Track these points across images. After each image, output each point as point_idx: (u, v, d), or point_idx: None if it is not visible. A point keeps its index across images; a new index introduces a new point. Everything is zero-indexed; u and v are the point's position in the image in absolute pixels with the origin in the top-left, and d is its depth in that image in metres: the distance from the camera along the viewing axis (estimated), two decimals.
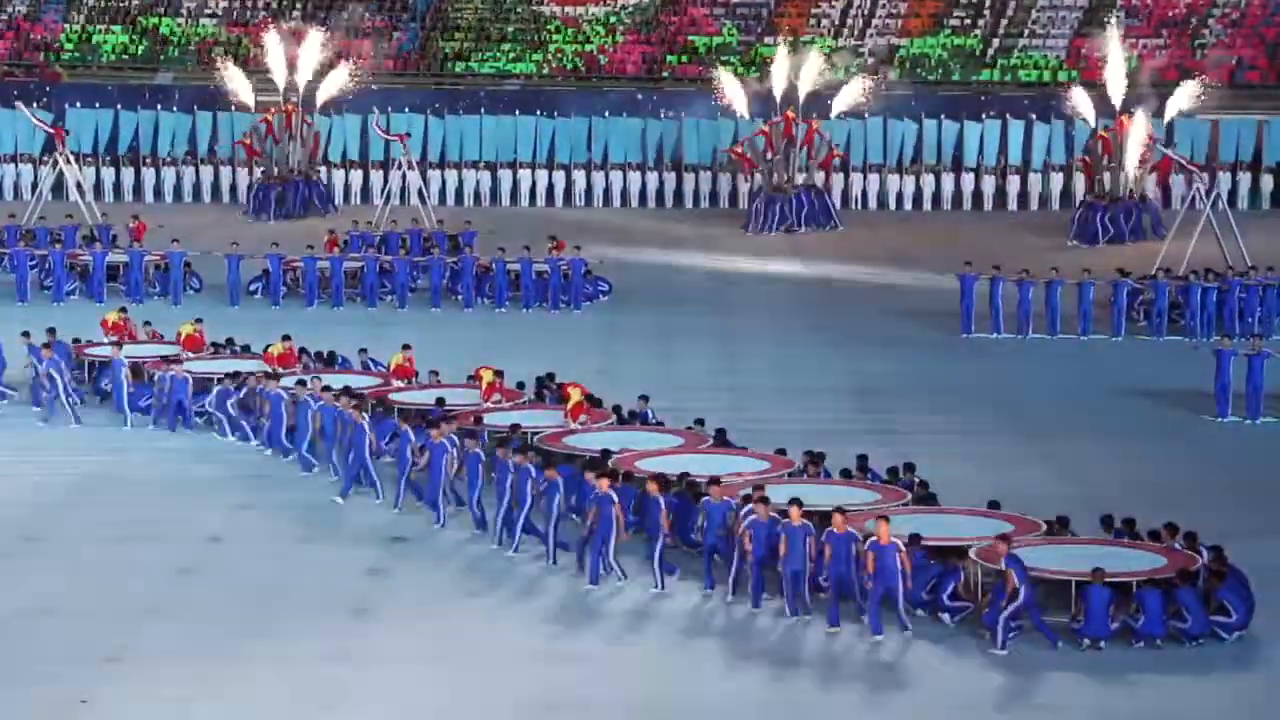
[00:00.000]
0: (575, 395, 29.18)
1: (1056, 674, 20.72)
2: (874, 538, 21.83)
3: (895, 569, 21.62)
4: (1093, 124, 53.28)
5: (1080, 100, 53.32)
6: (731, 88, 55.29)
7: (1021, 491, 26.26)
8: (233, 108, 56.98)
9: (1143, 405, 33.40)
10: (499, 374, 30.36)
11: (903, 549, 21.78)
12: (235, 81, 55.36)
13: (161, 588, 23.11)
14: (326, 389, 28.67)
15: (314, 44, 55.52)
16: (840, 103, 55.03)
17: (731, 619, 22.14)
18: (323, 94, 55.08)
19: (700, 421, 28.93)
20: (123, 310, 35.93)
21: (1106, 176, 52.36)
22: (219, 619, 22.01)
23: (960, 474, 27.60)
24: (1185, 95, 52.47)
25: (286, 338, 32.79)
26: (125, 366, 31.07)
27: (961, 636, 21.66)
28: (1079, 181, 55.92)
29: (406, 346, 32.19)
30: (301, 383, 29.29)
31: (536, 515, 24.21)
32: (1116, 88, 52.49)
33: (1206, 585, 21.98)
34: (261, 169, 55.95)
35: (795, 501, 22.69)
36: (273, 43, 55.67)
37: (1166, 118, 53.21)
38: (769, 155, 54.09)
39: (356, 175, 58.27)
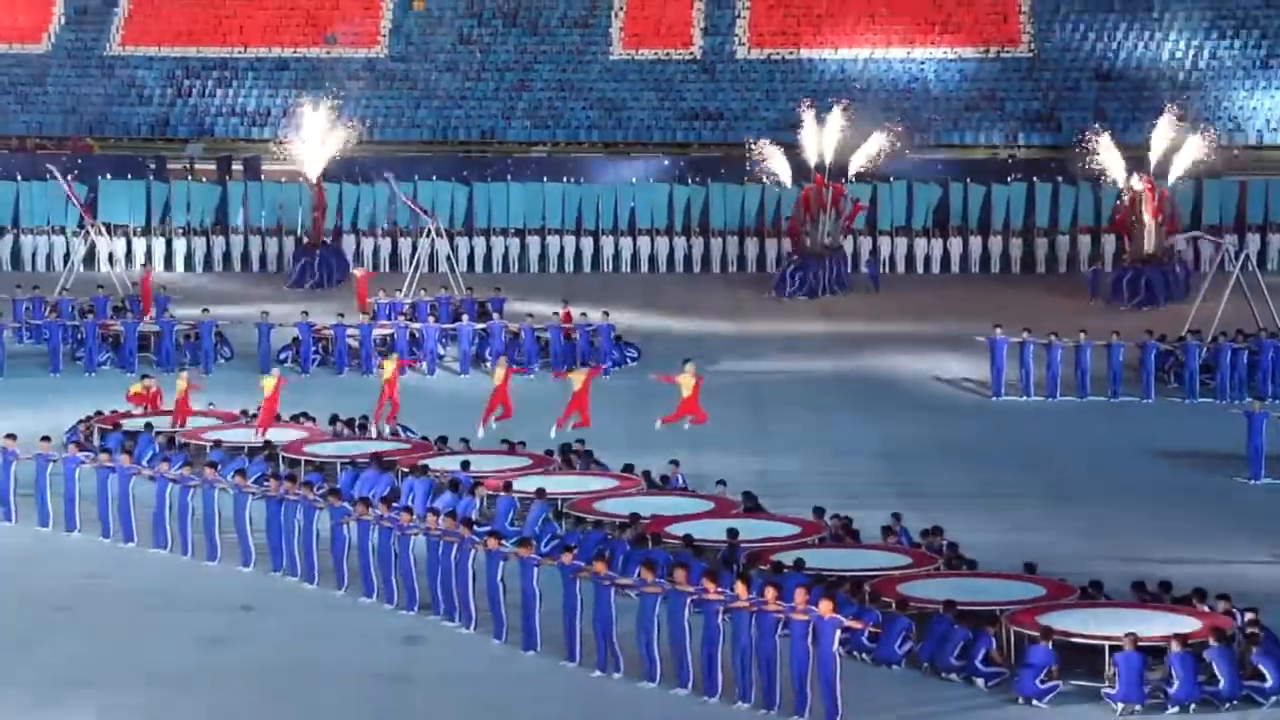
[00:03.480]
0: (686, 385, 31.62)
1: None
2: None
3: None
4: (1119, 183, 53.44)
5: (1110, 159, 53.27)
6: (775, 158, 54.99)
7: (1053, 554, 26.18)
8: (262, 178, 57.31)
9: (1174, 467, 33.29)
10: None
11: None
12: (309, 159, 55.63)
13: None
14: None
15: (322, 114, 55.78)
16: (857, 161, 54.81)
17: None
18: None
19: (722, 482, 28.99)
20: (145, 377, 36.24)
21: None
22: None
23: (991, 537, 27.56)
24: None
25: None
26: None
27: (997, 701, 21.60)
28: (1107, 243, 55.82)
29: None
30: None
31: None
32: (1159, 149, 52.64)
33: (1241, 649, 21.88)
34: (294, 237, 56.27)
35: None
36: (306, 114, 55.98)
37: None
38: (806, 220, 54.43)
39: (385, 243, 58.50)
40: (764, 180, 56.07)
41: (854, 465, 33.25)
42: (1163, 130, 52.58)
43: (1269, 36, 64.17)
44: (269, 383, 32.78)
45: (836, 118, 54.77)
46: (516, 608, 23.36)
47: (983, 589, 24.00)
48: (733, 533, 25.59)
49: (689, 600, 21.88)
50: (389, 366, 34.23)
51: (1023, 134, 63.16)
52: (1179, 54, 63.99)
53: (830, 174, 54.28)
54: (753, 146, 56.09)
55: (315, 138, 54.95)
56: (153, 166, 60.45)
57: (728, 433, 34.92)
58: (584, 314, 43.17)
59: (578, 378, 32.75)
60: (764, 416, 37.38)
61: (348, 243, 56.72)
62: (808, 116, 55.20)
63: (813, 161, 54.35)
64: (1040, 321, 41.77)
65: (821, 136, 54.51)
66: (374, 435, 32.67)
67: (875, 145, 54.65)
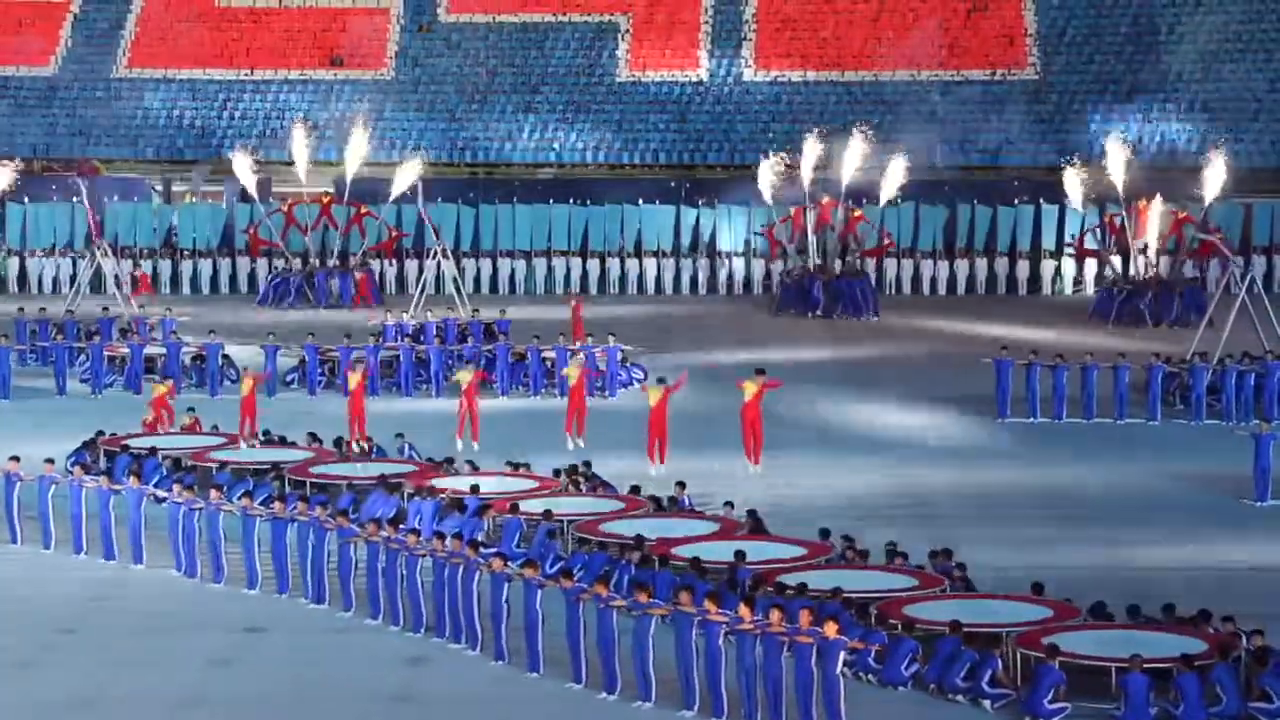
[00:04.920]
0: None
1: None
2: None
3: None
4: (1080, 209, 53.95)
5: (1071, 185, 53.68)
6: (765, 176, 55.24)
7: (1060, 576, 26.14)
8: (270, 198, 57.53)
9: (1180, 489, 33.25)
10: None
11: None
12: (241, 172, 56.03)
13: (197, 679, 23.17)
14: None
15: (361, 137, 56.21)
16: (888, 189, 55.05)
17: None
18: (397, 187, 55.67)
19: (730, 504, 29.01)
20: (166, 378, 36.47)
21: (1116, 260, 53.01)
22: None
23: (997, 558, 27.53)
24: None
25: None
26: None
27: None
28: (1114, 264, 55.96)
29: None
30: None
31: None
32: (1119, 173, 52.77)
33: (1248, 671, 21.84)
34: (280, 259, 56.55)
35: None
36: (298, 135, 56.35)
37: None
38: (794, 240, 54.77)
39: (391, 265, 58.64)
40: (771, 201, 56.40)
41: (859, 486, 33.22)
42: (1115, 153, 52.82)
43: (1274, 62, 64.21)
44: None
45: (858, 142, 54.86)
46: (521, 630, 23.34)
47: (989, 610, 23.96)
48: (739, 555, 25.59)
49: (695, 621, 21.86)
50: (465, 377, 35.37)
51: (1029, 156, 63.16)
52: (1186, 75, 64.03)
53: (844, 198, 54.55)
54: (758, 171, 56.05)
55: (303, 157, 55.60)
56: (158, 189, 60.65)
57: (733, 454, 34.87)
58: (590, 336, 43.19)
59: (653, 394, 33.16)
60: (768, 438, 37.33)
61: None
62: (809, 139, 55.29)
63: (808, 184, 54.56)
64: (1046, 343, 41.80)
65: (839, 159, 54.71)
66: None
67: (899, 172, 54.69)
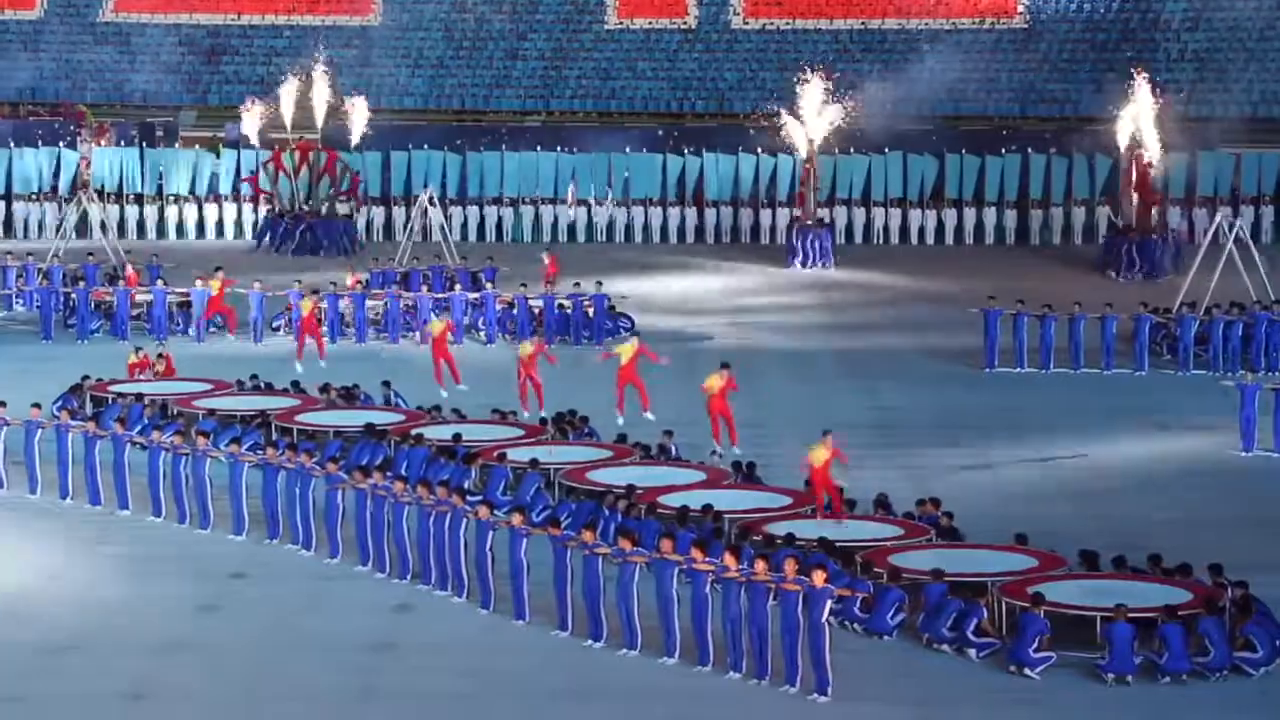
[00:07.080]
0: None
1: (1088, 711, 20.66)
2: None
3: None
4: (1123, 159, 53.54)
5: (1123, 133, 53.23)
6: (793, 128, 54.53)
7: (1046, 527, 26.20)
8: (256, 145, 57.22)
9: (1167, 439, 33.30)
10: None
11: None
12: (247, 122, 55.78)
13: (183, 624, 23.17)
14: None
15: (323, 82, 55.81)
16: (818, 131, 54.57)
17: None
18: (356, 132, 55.46)
19: (716, 453, 28.98)
20: (138, 349, 36.25)
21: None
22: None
23: (984, 508, 27.57)
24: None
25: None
26: None
27: (990, 673, 21.63)
28: (1100, 215, 55.86)
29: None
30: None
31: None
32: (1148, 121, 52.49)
33: (1232, 620, 21.92)
34: (268, 205, 56.40)
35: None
36: (318, 79, 55.96)
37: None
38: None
39: (379, 212, 58.49)
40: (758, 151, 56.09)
41: (847, 436, 33.15)
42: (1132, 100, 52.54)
43: (1264, 10, 64.01)
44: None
45: (815, 86, 54.45)
46: (506, 577, 23.35)
47: (975, 560, 24.01)
48: (707, 508, 25.49)
49: (678, 570, 21.89)
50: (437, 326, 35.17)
51: (1017, 106, 63.01)
52: (1175, 24, 63.85)
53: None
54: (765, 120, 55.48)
55: (317, 103, 55.28)
56: (135, 133, 60.27)
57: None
58: (577, 284, 43.14)
59: (625, 351, 32.20)
60: (757, 388, 37.33)
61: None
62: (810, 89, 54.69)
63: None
64: (1034, 293, 41.77)
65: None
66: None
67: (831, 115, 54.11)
